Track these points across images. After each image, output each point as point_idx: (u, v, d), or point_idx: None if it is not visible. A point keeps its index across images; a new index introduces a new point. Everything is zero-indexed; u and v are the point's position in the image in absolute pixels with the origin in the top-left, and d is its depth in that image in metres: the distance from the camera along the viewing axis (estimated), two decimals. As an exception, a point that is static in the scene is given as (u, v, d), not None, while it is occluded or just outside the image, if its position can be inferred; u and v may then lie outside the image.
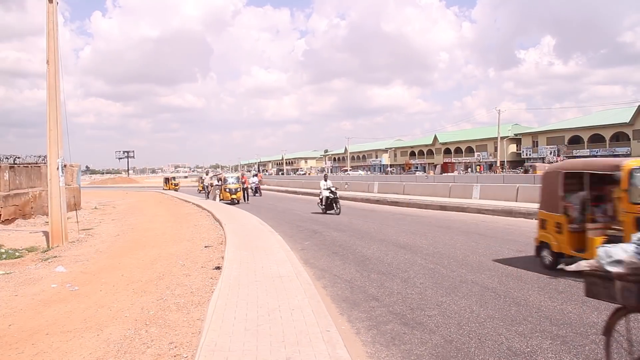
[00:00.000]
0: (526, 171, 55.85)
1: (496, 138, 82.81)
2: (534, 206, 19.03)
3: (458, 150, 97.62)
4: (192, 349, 5.52)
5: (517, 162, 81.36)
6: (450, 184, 30.22)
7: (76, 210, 28.32)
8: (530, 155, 78.29)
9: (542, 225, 9.65)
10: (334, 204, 22.19)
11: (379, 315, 6.84)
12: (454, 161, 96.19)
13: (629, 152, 63.95)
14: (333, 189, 22.45)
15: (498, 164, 74.11)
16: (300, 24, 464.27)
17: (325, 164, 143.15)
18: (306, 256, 11.76)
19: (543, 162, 60.65)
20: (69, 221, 17.37)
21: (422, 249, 12.01)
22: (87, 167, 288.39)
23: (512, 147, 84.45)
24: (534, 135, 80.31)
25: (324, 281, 9.09)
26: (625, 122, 64.96)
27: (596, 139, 69.74)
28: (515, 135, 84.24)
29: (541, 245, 9.61)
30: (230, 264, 10.12)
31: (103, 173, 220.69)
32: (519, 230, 14.75)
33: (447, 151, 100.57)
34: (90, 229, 19.73)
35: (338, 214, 21.72)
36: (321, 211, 22.78)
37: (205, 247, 13.45)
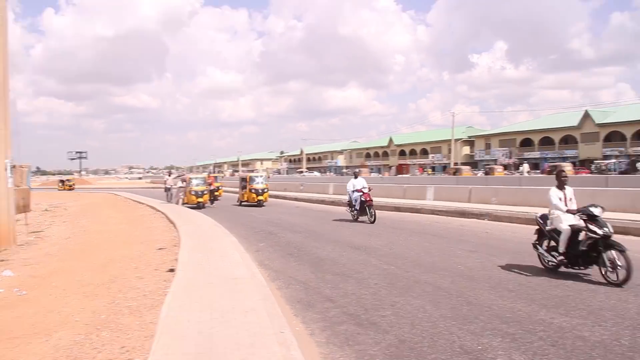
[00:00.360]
0: (487, 173, 56.91)
1: (450, 140, 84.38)
2: (486, 207, 19.69)
3: (413, 152, 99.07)
4: (145, 353, 5.42)
5: (471, 164, 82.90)
6: (405, 185, 30.52)
7: (25, 212, 27.52)
8: (483, 157, 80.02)
9: None
10: (367, 209, 18.17)
11: (333, 316, 6.86)
12: (409, 163, 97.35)
13: (577, 155, 66.10)
14: (366, 189, 18.60)
15: (452, 165, 75.34)
16: (257, 25, 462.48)
17: (281, 165, 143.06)
18: (261, 258, 11.71)
19: (496, 164, 61.93)
20: (18, 223, 16.87)
21: (377, 250, 12.11)
22: (37, 167, 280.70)
23: (466, 149, 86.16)
24: (487, 137, 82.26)
25: (279, 282, 9.07)
26: (574, 126, 67.16)
27: (546, 141, 71.84)
28: (469, 137, 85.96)
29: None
30: (184, 266, 9.99)
31: (54, 174, 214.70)
32: (471, 230, 15.05)
33: (402, 153, 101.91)
34: (40, 232, 19.20)
35: (372, 222, 17.83)
36: (352, 218, 19.07)
37: (159, 249, 13.25)
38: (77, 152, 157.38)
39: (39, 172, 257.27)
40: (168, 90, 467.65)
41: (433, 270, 9.53)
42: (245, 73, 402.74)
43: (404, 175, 69.61)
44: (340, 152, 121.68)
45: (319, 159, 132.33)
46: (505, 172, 57.11)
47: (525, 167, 58.21)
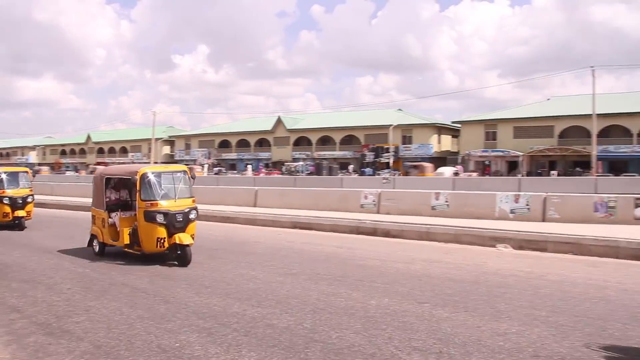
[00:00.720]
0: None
1: (150, 139, 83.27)
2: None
3: (112, 150, 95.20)
4: None
5: (172, 163, 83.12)
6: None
7: None
8: (183, 157, 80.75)
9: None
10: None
11: (20, 328, 6.30)
12: (107, 161, 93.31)
13: (270, 157, 71.26)
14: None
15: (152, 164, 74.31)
16: None
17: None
18: None
19: (195, 164, 63.10)
20: None
21: (70, 252, 11.46)
22: None
23: (166, 149, 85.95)
24: (187, 138, 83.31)
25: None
26: (268, 130, 72.17)
27: (243, 143, 75.85)
28: (170, 137, 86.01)
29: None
30: None
31: None
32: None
33: (101, 151, 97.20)
34: None
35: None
36: None
37: None
38: None
39: None
40: None
41: (130, 272, 9.41)
42: None
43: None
44: (33, 147, 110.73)
45: (7, 154, 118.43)
46: (207, 173, 58.66)
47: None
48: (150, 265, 9.98)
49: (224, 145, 78.02)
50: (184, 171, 11.06)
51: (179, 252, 10.02)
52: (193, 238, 10.34)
